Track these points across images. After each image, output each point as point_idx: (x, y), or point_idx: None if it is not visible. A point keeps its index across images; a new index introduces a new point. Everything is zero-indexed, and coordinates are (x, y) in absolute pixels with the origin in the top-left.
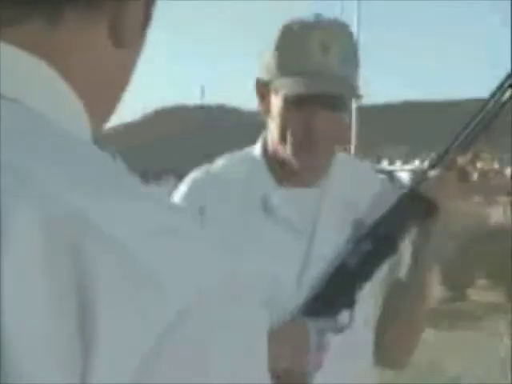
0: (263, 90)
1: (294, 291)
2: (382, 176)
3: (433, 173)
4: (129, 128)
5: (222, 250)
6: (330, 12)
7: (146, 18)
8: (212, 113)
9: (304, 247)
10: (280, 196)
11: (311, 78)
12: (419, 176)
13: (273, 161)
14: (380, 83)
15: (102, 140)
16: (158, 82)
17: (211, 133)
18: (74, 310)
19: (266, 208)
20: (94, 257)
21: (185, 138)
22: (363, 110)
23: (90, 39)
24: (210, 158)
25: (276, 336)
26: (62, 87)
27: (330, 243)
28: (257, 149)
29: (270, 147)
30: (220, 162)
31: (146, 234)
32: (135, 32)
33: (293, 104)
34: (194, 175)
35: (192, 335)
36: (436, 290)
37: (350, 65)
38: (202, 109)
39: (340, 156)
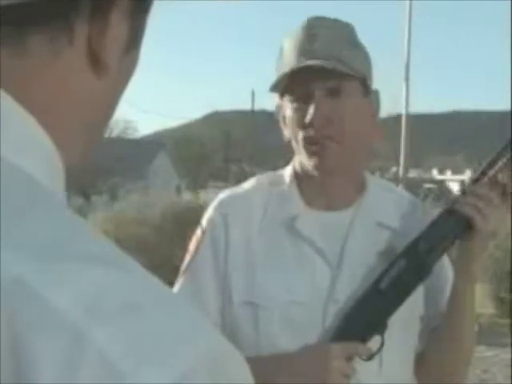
0: (280, 109)
1: (320, 314)
2: (415, 199)
3: (471, 189)
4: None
5: (196, 327)
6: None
7: (132, 38)
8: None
9: (331, 270)
10: (307, 218)
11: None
12: (459, 193)
13: (303, 183)
14: (432, 92)
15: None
16: (208, 88)
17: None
18: None
19: (292, 230)
20: (33, 331)
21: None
22: (414, 119)
23: (60, 66)
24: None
25: (296, 362)
26: (23, 121)
27: (360, 267)
28: (288, 170)
29: (299, 169)
30: (248, 183)
31: (101, 308)
32: (117, 54)
33: (291, 98)
34: (220, 196)
35: None
36: None
37: (342, 46)
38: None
39: (372, 180)
